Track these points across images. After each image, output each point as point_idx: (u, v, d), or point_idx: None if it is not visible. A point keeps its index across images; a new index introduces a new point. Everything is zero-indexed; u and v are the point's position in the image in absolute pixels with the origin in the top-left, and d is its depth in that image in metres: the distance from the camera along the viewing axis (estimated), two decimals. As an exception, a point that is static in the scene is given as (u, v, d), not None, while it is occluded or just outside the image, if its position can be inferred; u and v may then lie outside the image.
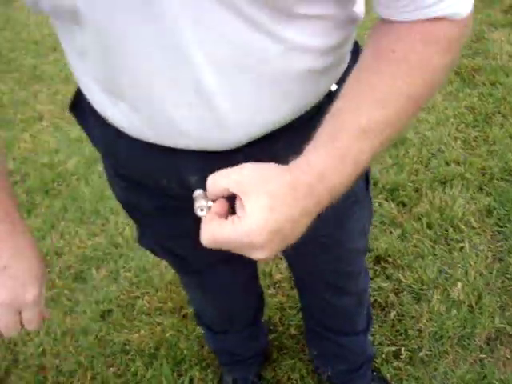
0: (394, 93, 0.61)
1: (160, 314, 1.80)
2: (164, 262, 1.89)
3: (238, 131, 0.70)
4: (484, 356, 1.49)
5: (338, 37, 0.69)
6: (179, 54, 0.60)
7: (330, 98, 0.75)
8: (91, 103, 0.80)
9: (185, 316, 1.78)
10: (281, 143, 0.75)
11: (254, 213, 0.55)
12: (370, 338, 1.53)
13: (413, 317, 1.60)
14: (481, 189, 1.93)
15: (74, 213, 2.27)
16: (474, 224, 1.82)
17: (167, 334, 1.73)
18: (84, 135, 2.72)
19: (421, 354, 1.52)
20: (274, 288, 1.78)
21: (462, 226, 1.81)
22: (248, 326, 1.45)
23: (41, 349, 1.82)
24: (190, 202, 0.67)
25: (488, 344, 1.52)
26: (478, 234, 1.79)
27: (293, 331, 1.65)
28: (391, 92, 0.61)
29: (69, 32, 0.68)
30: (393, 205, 1.92)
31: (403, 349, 1.53)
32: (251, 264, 1.29)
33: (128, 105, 0.70)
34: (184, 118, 0.67)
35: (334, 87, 0.77)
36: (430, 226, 1.84)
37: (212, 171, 0.68)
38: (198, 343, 1.69)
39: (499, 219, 1.81)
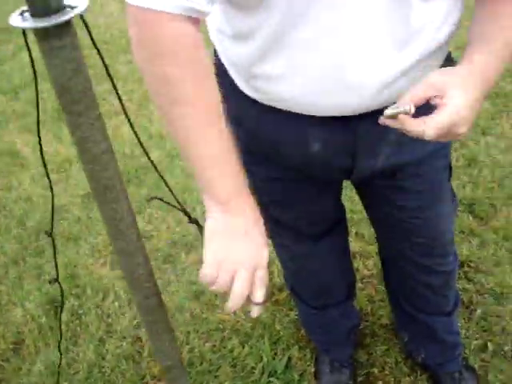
0: None
1: (252, 298, 1.93)
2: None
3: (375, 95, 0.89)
4: None
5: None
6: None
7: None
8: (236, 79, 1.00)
9: (277, 301, 1.92)
10: None
11: (456, 96, 0.77)
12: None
13: (497, 316, 1.74)
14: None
15: (159, 201, 2.40)
16: (548, 239, 1.97)
17: (262, 316, 1.86)
18: (164, 131, 2.88)
19: (506, 348, 1.66)
20: (362, 283, 1.92)
21: (537, 241, 1.97)
22: (343, 302, 1.59)
23: (135, 321, 1.95)
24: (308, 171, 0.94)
25: None
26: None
27: (384, 321, 1.79)
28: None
29: (237, 16, 0.87)
30: (471, 217, 2.08)
31: (489, 343, 1.67)
32: (346, 236, 1.51)
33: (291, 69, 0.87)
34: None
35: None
36: (506, 238, 1.99)
37: (333, 139, 0.98)
38: (294, 326, 1.82)
39: None
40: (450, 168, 1.21)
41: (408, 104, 0.76)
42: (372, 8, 0.79)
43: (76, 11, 0.70)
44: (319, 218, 1.34)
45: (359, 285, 1.90)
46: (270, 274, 1.98)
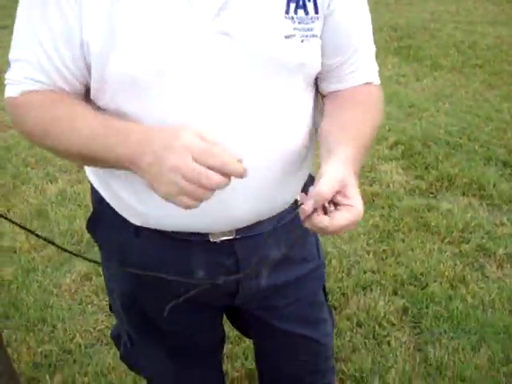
0: (365, 120, 1.01)
1: (125, 414, 1.89)
2: (123, 366, 1.99)
3: (255, 208, 1.01)
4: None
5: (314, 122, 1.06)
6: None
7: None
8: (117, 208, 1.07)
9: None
10: (270, 239, 1.05)
11: (357, 196, 0.82)
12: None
13: (359, 401, 1.88)
14: (395, 292, 2.32)
15: (18, 320, 2.30)
16: (394, 321, 2.18)
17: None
18: (16, 245, 2.78)
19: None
20: (233, 384, 1.97)
21: (385, 324, 2.16)
22: None
23: None
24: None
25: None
26: (399, 329, 2.15)
27: (257, 422, 1.83)
28: (364, 120, 1.00)
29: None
30: (326, 307, 2.24)
31: (356, 429, 1.79)
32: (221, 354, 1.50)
33: None
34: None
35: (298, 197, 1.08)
36: (359, 325, 2.16)
37: (216, 265, 1.04)
38: None
39: (413, 317, 2.20)
40: (324, 289, 1.32)
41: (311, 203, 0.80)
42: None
43: None
44: (211, 342, 1.34)
45: (230, 387, 1.94)
46: None
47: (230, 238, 1.04)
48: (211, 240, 1.03)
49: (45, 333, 2.24)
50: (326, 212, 0.81)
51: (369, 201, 2.93)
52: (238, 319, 1.36)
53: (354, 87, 1.04)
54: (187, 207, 0.80)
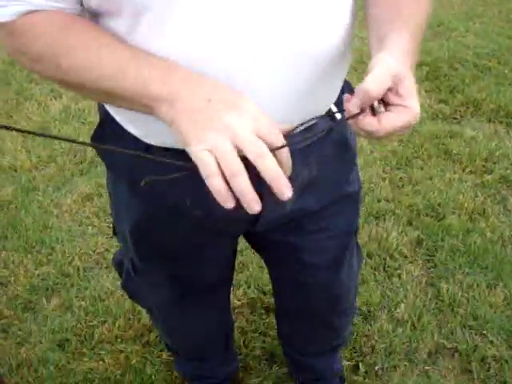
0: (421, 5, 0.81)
1: (121, 342, 1.83)
2: (121, 291, 1.92)
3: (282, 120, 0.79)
4: (429, 368, 1.70)
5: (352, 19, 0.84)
6: None
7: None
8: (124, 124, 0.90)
9: (147, 343, 1.83)
10: (298, 157, 0.86)
11: (414, 96, 0.68)
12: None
13: (365, 335, 1.79)
14: (410, 223, 2.19)
15: (16, 241, 2.23)
16: (407, 253, 2.06)
17: (132, 361, 1.76)
18: (17, 163, 2.68)
19: (376, 368, 1.70)
20: (234, 314, 1.88)
21: (397, 256, 2.05)
22: (222, 352, 1.55)
23: (-7, 381, 1.77)
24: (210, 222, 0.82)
25: (430, 357, 1.73)
26: (412, 262, 2.03)
27: (257, 352, 1.76)
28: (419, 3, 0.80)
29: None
30: (335, 236, 2.13)
31: (360, 364, 1.71)
32: (229, 290, 1.40)
33: None
34: None
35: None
36: (369, 256, 2.05)
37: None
38: (166, 368, 1.74)
39: (428, 249, 2.07)
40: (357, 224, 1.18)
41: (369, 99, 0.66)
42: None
43: None
44: (211, 272, 1.22)
45: (231, 317, 1.87)
46: (138, 314, 1.89)
47: None
48: None
49: (43, 255, 2.17)
50: (374, 113, 0.68)
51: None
52: (257, 243, 1.22)
53: None
54: (210, 177, 0.63)
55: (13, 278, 2.09)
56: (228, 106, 0.65)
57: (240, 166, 0.62)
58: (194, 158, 0.64)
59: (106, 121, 0.95)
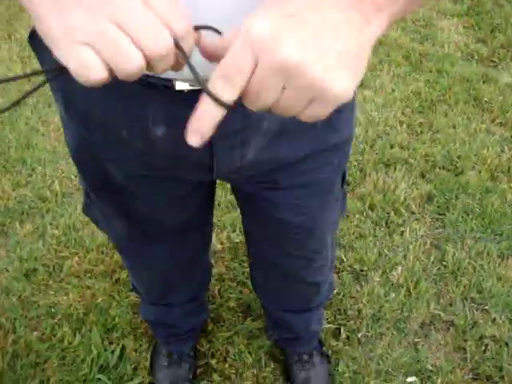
0: None
1: (90, 278, 1.70)
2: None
3: None
4: (418, 340, 1.53)
5: None
6: None
7: None
8: None
9: (117, 281, 1.70)
10: None
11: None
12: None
13: (352, 297, 1.61)
14: (423, 175, 1.96)
15: (-2, 156, 2.09)
16: (415, 209, 1.85)
17: (98, 300, 1.63)
18: (10, 74, 2.51)
19: (359, 334, 1.53)
20: (214, 258, 1.73)
21: (403, 211, 1.84)
22: (191, 301, 1.40)
23: None
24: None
25: (422, 329, 1.56)
26: (418, 219, 1.82)
27: (232, 304, 1.61)
28: None
29: None
30: (337, 183, 1.92)
31: (342, 328, 1.54)
32: (206, 234, 1.24)
33: None
34: None
35: None
36: (372, 208, 1.85)
37: (180, 119, 0.61)
38: (132, 310, 1.61)
39: (439, 207, 1.85)
40: (344, 173, 0.99)
41: None
42: None
43: None
44: (180, 221, 1.07)
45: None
46: (112, 248, 1.75)
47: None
48: (176, 88, 0.68)
49: (23, 176, 2.03)
50: None
51: (416, 61, 2.46)
52: (234, 193, 1.06)
53: None
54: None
55: (-12, 198, 1.97)
56: None
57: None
58: (64, 62, 0.44)
59: None
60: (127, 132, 0.76)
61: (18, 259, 1.77)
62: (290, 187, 0.91)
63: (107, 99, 0.73)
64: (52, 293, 1.67)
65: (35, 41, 0.79)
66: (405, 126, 2.15)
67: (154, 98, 0.70)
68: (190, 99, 0.66)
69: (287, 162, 0.85)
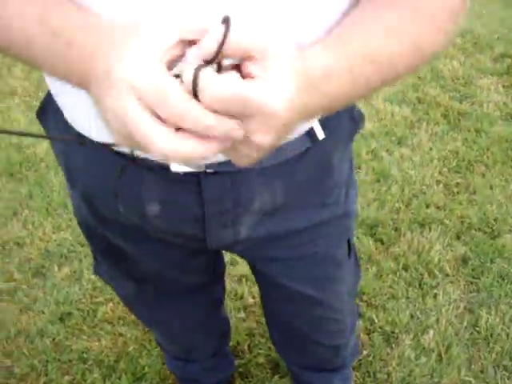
0: (401, 30, 0.56)
1: (123, 325, 1.73)
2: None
3: None
4: (449, 409, 1.50)
5: None
6: None
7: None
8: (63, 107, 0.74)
9: (149, 330, 1.72)
10: (258, 180, 0.73)
11: (281, 78, 0.43)
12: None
13: (382, 359, 1.59)
14: (458, 237, 1.95)
15: (40, 201, 2.16)
16: (449, 272, 1.83)
17: (129, 348, 1.66)
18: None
19: (388, 399, 1.51)
20: (245, 312, 1.74)
21: (437, 272, 1.82)
22: (213, 356, 1.41)
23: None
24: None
25: (453, 396, 1.53)
26: (452, 282, 1.80)
27: (261, 360, 1.61)
28: (398, 28, 0.56)
29: None
30: (371, 241, 1.92)
31: (371, 392, 1.52)
32: (216, 292, 1.25)
33: None
34: None
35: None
36: (405, 268, 1.84)
37: (174, 199, 0.68)
38: (161, 361, 1.63)
39: (473, 270, 1.83)
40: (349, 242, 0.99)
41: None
42: None
43: None
44: (186, 282, 1.09)
45: (241, 315, 1.72)
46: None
47: (198, 171, 0.71)
48: (172, 170, 0.72)
49: (63, 219, 2.10)
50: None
51: (454, 120, 2.47)
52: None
53: None
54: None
55: (29, 240, 2.03)
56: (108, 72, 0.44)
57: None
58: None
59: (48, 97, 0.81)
60: (124, 208, 0.79)
61: (55, 302, 1.81)
62: (287, 259, 0.92)
63: (105, 175, 0.76)
64: (85, 337, 1.70)
65: (43, 117, 0.84)
66: (441, 185, 2.15)
67: (149, 177, 0.73)
68: (185, 181, 0.70)
69: (279, 236, 0.86)
